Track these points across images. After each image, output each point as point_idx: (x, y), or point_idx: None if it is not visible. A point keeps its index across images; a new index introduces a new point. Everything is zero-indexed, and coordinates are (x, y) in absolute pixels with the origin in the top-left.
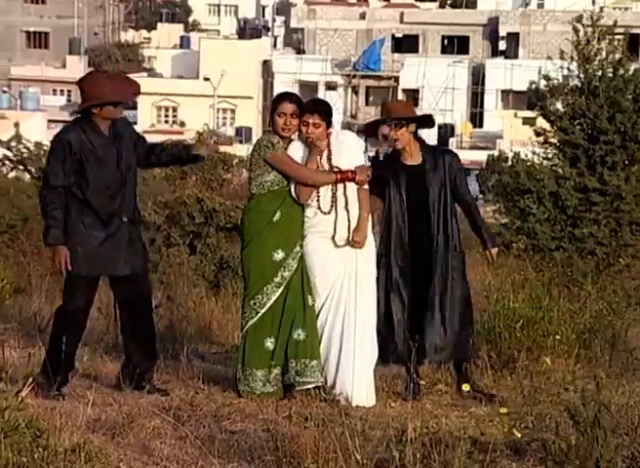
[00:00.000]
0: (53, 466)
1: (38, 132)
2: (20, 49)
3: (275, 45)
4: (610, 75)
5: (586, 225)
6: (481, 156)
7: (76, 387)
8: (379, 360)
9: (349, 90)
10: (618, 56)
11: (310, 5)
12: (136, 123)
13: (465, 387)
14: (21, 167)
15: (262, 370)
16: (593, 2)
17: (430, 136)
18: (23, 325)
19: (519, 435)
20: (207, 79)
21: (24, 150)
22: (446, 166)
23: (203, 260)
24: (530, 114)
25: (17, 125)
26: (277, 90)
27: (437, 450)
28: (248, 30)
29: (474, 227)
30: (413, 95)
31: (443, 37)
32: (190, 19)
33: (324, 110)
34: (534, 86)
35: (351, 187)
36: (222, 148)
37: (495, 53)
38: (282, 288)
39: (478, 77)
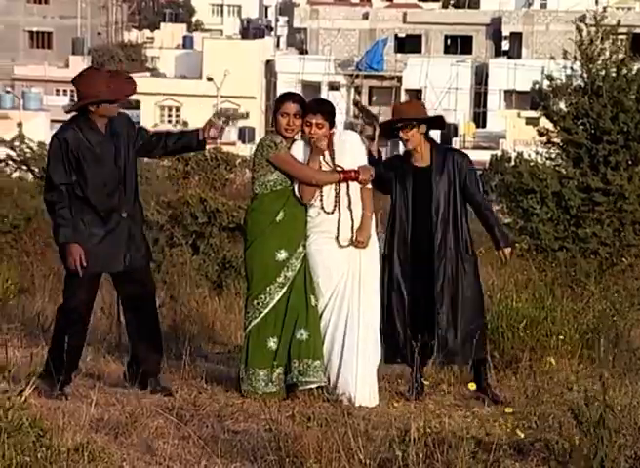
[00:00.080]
0: (56, 466)
1: (41, 132)
2: (23, 49)
3: (278, 45)
4: (613, 75)
5: (589, 225)
6: (484, 156)
7: (79, 387)
8: (383, 359)
9: (352, 90)
10: (621, 55)
11: (313, 5)
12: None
13: (472, 386)
14: (25, 167)
15: (265, 370)
16: (596, 2)
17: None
18: (27, 324)
19: (522, 435)
20: (210, 79)
21: (28, 150)
22: (455, 167)
23: (206, 260)
24: (533, 114)
25: (20, 125)
26: (280, 90)
27: (440, 450)
28: (251, 30)
29: (486, 227)
30: (416, 95)
31: (446, 37)
32: (193, 19)
33: (327, 110)
34: (537, 86)
35: (354, 187)
36: (226, 148)
37: (498, 53)
38: (285, 288)
39: (481, 77)
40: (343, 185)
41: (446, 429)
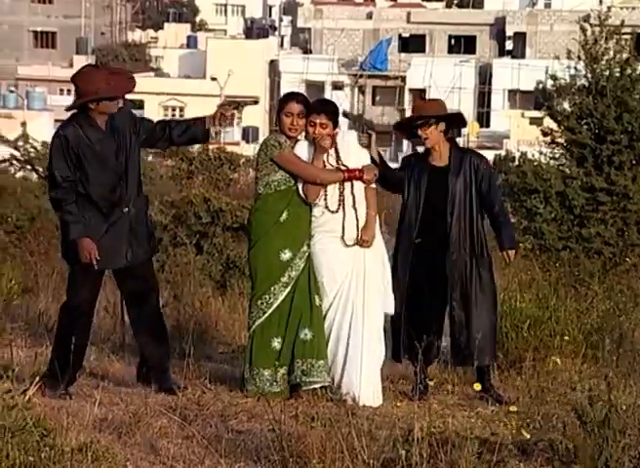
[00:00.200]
0: (60, 465)
1: (45, 131)
2: (28, 48)
3: (282, 45)
4: (617, 75)
5: (593, 225)
6: (488, 156)
7: (83, 386)
8: (388, 357)
9: (356, 90)
10: (625, 55)
11: (317, 5)
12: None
13: (477, 386)
14: (29, 166)
15: (270, 370)
16: (600, 2)
17: None
18: (30, 324)
19: (528, 436)
20: (214, 79)
21: (32, 150)
22: (472, 168)
23: (210, 260)
24: (537, 114)
25: (24, 124)
26: (284, 90)
27: (444, 450)
28: (255, 30)
29: (494, 227)
30: (420, 94)
31: (450, 37)
32: (197, 19)
33: (331, 110)
34: (541, 86)
35: (359, 186)
36: (230, 148)
37: (502, 52)
38: (289, 287)
39: (485, 77)
40: (348, 184)
41: (450, 429)
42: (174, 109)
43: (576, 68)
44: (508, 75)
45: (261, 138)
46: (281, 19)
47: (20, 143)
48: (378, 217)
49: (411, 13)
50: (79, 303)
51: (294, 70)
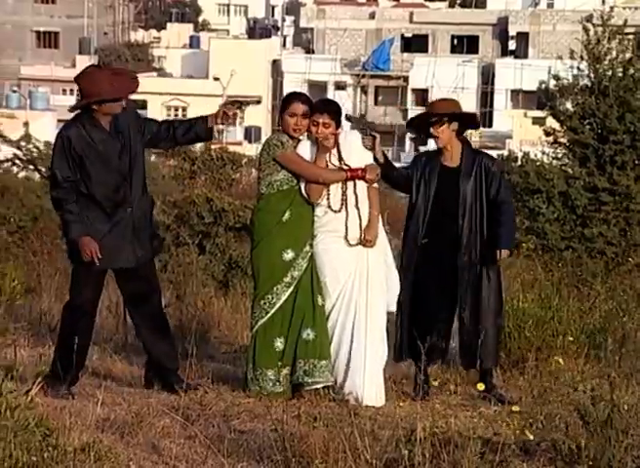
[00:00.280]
0: (62, 465)
1: (48, 131)
2: (30, 48)
3: (285, 45)
4: (620, 75)
5: (596, 225)
6: None
7: (86, 386)
8: (390, 358)
9: (358, 89)
10: (628, 55)
11: (320, 5)
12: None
13: (480, 386)
14: (31, 166)
15: (273, 370)
16: (603, 2)
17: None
18: (33, 324)
19: (531, 436)
20: (216, 79)
21: (34, 150)
22: (482, 170)
23: (212, 260)
24: (539, 114)
25: (26, 124)
26: (286, 89)
27: (446, 450)
28: (257, 30)
29: (495, 225)
30: (422, 94)
31: (452, 37)
32: (200, 19)
33: (333, 110)
34: (543, 86)
35: (361, 185)
36: (232, 148)
37: (504, 52)
38: (292, 287)
39: (488, 77)
40: (350, 184)
41: (452, 429)
42: (176, 109)
43: (578, 68)
44: (511, 75)
45: (264, 138)
46: (284, 19)
47: (23, 143)
48: (380, 217)
49: (413, 13)
50: (82, 303)
51: (296, 70)
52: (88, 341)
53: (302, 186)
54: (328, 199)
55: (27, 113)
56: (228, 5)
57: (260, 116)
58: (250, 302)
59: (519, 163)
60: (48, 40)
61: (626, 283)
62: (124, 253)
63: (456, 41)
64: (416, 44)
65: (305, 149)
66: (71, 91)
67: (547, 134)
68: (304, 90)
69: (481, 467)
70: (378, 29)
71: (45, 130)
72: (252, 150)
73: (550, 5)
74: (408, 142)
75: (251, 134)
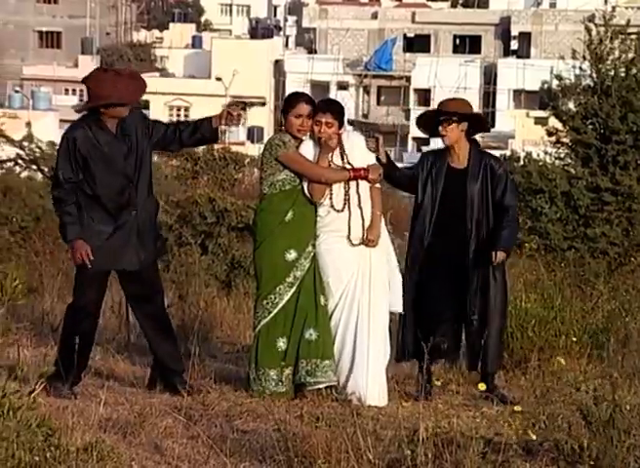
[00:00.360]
0: (65, 465)
1: (50, 131)
2: (33, 48)
3: (287, 45)
4: (622, 75)
5: (599, 225)
6: None
7: (88, 386)
8: (393, 358)
9: (361, 89)
10: (630, 55)
11: (322, 5)
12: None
13: (482, 386)
14: (34, 166)
15: (275, 370)
16: (606, 1)
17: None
18: (36, 324)
19: (533, 436)
20: (219, 79)
21: (37, 150)
22: (488, 172)
23: (215, 260)
24: (542, 114)
25: (29, 124)
26: (289, 90)
27: (449, 450)
28: (260, 30)
29: (496, 226)
30: (424, 94)
31: (455, 37)
32: (202, 19)
33: (336, 110)
34: (546, 85)
35: (364, 185)
36: (235, 148)
37: (507, 52)
38: (294, 288)
39: (490, 77)
40: (353, 183)
41: (455, 429)
42: (179, 109)
43: (581, 68)
44: (513, 75)
45: (266, 138)
46: (286, 19)
47: (26, 143)
48: (383, 217)
49: (416, 13)
50: (85, 304)
51: (299, 70)
52: (91, 342)
53: (305, 186)
54: (330, 199)
55: (30, 113)
56: (231, 5)
57: (262, 116)
58: (252, 302)
59: (521, 163)
60: (50, 40)
61: (629, 283)
62: (127, 255)
63: (458, 41)
64: (418, 44)
65: (308, 149)
66: (74, 91)
67: (550, 134)
68: (307, 90)
69: (483, 467)
70: (380, 29)
71: (47, 130)
72: (254, 150)
73: (553, 5)
74: (410, 142)
75: (253, 134)
